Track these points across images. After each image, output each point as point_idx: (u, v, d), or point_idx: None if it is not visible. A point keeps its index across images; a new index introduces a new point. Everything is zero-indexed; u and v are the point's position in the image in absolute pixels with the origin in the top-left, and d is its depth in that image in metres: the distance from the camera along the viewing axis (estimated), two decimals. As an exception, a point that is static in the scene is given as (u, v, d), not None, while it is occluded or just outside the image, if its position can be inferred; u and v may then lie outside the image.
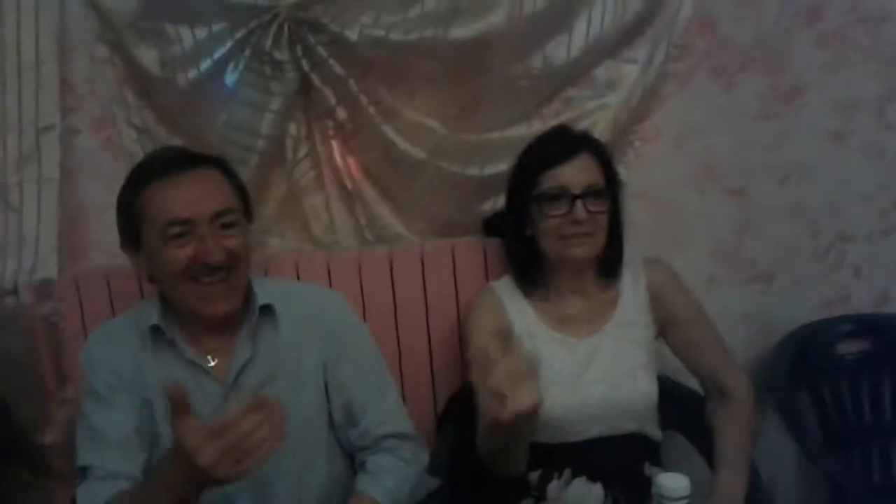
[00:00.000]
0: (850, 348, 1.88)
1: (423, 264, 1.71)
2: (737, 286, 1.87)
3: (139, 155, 1.73)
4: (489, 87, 1.70)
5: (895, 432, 1.84)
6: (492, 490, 1.48)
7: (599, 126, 1.74)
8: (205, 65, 1.66)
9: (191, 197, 1.25)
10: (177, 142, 1.75)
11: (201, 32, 1.64)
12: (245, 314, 1.33)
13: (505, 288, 1.55)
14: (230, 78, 1.67)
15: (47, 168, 1.68)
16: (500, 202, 1.73)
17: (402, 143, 1.70)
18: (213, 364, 1.31)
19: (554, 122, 1.73)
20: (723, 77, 1.78)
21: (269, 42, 1.61)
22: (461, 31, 1.62)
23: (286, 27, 1.61)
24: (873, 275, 1.90)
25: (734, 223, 1.84)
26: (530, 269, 1.52)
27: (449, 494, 1.41)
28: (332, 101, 1.69)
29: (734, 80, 1.78)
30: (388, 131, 1.70)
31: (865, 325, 1.88)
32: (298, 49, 1.63)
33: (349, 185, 1.78)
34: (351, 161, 1.78)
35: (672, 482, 1.02)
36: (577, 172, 1.42)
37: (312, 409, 1.35)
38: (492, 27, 1.61)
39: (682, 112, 1.77)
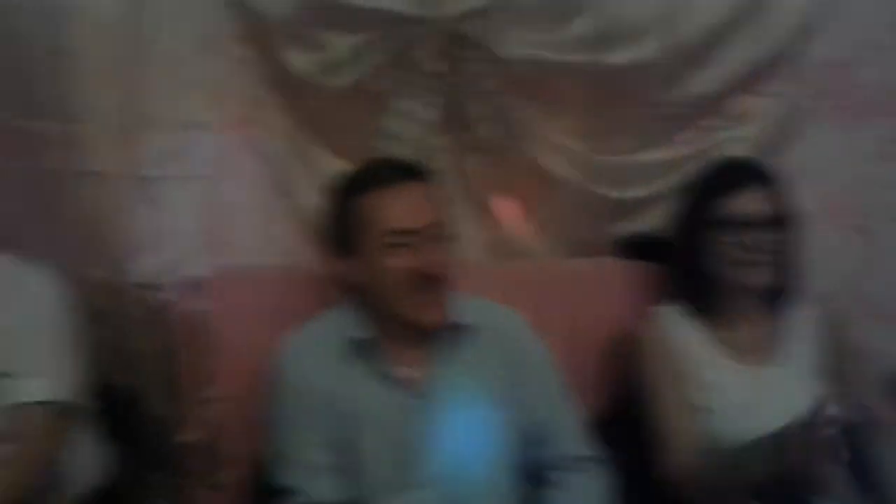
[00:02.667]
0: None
1: (559, 283, 1.71)
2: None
3: (276, 157, 1.76)
4: (632, 112, 1.76)
5: None
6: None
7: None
8: (359, 71, 1.69)
9: (411, 207, 1.26)
10: (317, 146, 1.78)
11: (354, 40, 1.66)
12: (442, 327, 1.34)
13: (671, 315, 1.54)
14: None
15: (192, 165, 1.69)
16: (631, 225, 1.79)
17: (546, 162, 1.74)
18: (410, 376, 1.31)
19: (686, 150, 1.79)
20: (849, 117, 1.85)
21: (423, 53, 1.66)
22: (617, 58, 1.67)
23: (441, 40, 1.65)
24: None
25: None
26: (702, 295, 1.52)
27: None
28: (479, 115, 1.72)
29: (861, 123, 1.85)
30: (534, 149, 1.73)
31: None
32: (451, 62, 1.66)
33: (483, 198, 1.81)
34: (488, 175, 1.80)
35: None
36: (752, 201, 1.46)
37: (501, 425, 1.34)
38: (646, 55, 1.67)
39: (809, 148, 1.83)
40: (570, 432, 1.38)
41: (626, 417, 1.54)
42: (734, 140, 1.81)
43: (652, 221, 1.79)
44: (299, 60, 1.68)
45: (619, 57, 1.67)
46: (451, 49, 1.64)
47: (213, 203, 1.73)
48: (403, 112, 1.70)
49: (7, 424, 1.31)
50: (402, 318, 1.29)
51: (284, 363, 1.34)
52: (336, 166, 1.76)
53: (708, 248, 1.49)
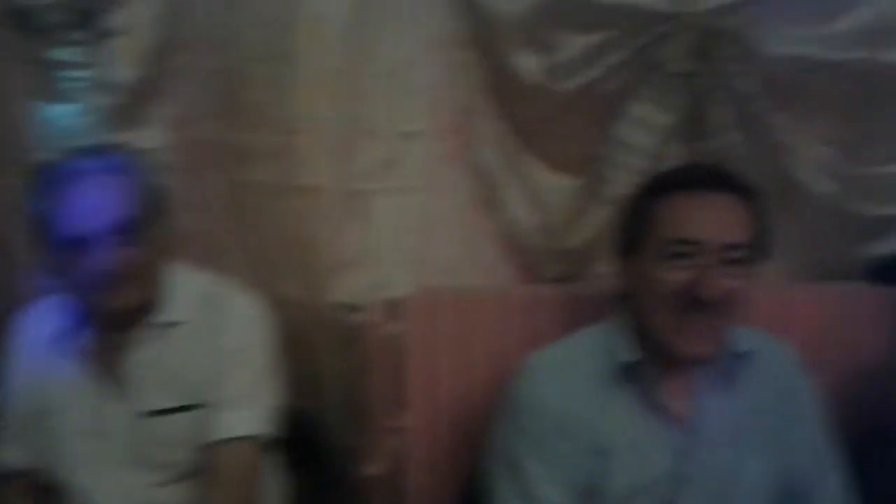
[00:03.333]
0: None
1: (804, 309, 1.52)
2: None
3: (487, 169, 1.60)
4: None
5: None
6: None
7: None
8: (593, 73, 1.51)
9: (711, 219, 1.08)
10: (532, 158, 1.61)
11: (593, 39, 1.50)
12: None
13: None
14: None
15: (409, 177, 1.54)
16: (887, 246, 1.58)
17: (796, 174, 1.54)
18: (680, 408, 1.15)
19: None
20: None
21: (669, 52, 1.47)
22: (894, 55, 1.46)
23: (691, 36, 1.46)
24: None
25: None
26: None
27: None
28: (721, 121, 1.53)
29: None
30: (783, 159, 1.53)
31: None
32: (701, 62, 1.47)
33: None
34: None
35: None
36: None
37: (760, 474, 1.18)
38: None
39: None
40: (833, 490, 1.20)
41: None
42: None
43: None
44: (528, 63, 1.52)
45: (897, 54, 1.45)
46: (704, 47, 1.45)
47: (422, 218, 1.59)
48: (638, 118, 1.52)
49: (209, 458, 1.23)
50: (661, 342, 1.12)
51: (529, 389, 1.17)
52: (552, 180, 1.62)
53: None
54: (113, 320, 1.21)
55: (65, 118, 1.50)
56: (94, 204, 1.13)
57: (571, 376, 1.16)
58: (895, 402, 1.40)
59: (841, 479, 1.22)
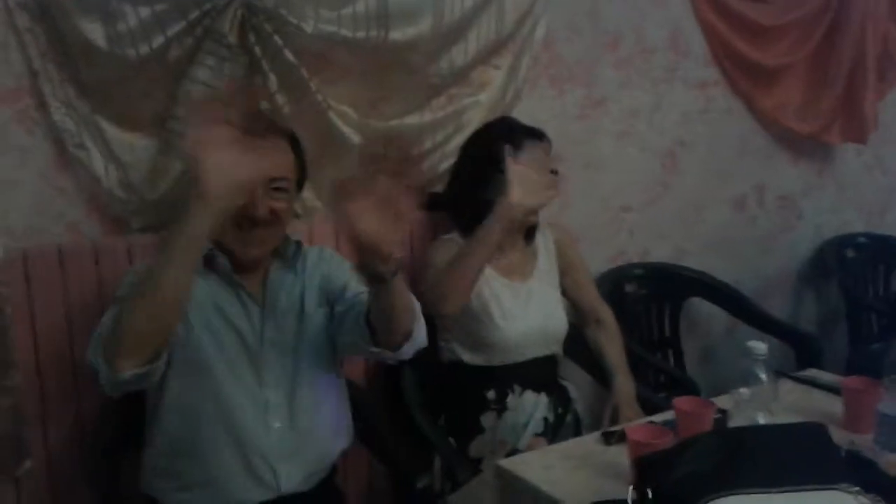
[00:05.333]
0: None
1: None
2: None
3: (63, 128, 1.70)
4: (404, 82, 2.01)
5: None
6: (454, 408, 1.83)
7: (475, 119, 2.15)
8: (157, 42, 1.69)
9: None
10: (103, 116, 1.73)
11: (145, 11, 1.67)
12: None
13: (457, 240, 1.88)
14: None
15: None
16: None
17: (341, 127, 1.91)
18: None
19: (440, 115, 2.10)
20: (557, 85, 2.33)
21: (222, 26, 1.72)
22: (398, 34, 1.90)
23: (240, 13, 1.73)
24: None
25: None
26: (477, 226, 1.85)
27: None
28: (275, 86, 1.83)
29: (563, 89, 2.34)
30: (332, 116, 1.90)
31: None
32: (251, 35, 1.75)
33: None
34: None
35: (758, 345, 1.44)
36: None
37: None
38: (422, 32, 1.93)
39: (528, 110, 2.25)
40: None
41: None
42: (476, 105, 2.17)
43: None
44: (93, 30, 1.63)
45: (402, 34, 1.90)
46: (252, 23, 1.73)
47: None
48: (201, 81, 1.74)
49: None
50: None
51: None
52: (127, 139, 1.76)
53: (493, 186, 1.80)
54: None
55: None
56: None
57: None
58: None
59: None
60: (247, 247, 1.47)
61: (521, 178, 1.70)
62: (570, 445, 1.57)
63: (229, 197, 1.22)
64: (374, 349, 1.42)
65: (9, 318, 1.58)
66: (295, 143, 1.55)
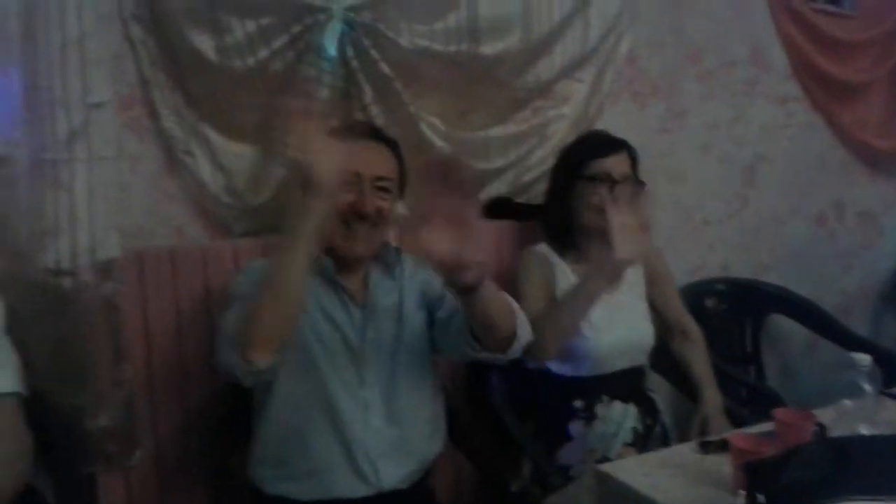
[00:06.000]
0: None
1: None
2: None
3: (172, 135, 1.77)
4: (491, 95, 2.05)
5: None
6: (542, 416, 1.85)
7: (558, 132, 2.18)
8: (261, 54, 1.76)
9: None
10: (209, 124, 1.81)
11: (251, 25, 1.74)
12: None
13: (544, 251, 1.90)
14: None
15: (99, 146, 1.63)
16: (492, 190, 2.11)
17: (431, 138, 1.96)
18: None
19: (524, 127, 2.14)
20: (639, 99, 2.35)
21: (325, 39, 1.78)
22: (488, 48, 1.95)
23: (339, 27, 1.79)
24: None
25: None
26: (566, 236, 1.88)
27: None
28: (370, 97, 1.88)
29: (645, 102, 2.36)
30: (424, 127, 1.95)
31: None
32: (349, 49, 1.82)
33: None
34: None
35: (863, 357, 1.43)
36: (618, 164, 1.84)
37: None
38: (510, 46, 1.97)
39: (611, 123, 2.27)
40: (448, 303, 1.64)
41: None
42: (560, 117, 2.20)
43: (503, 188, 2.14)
44: (201, 42, 1.71)
45: (492, 48, 1.96)
46: (350, 37, 1.79)
47: (115, 185, 1.69)
48: (301, 92, 1.80)
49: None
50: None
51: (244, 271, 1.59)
52: (231, 147, 1.83)
53: (580, 198, 1.83)
54: None
55: None
56: None
57: None
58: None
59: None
60: (353, 243, 1.52)
61: (621, 230, 1.68)
62: (666, 454, 1.57)
63: (341, 189, 1.32)
64: (484, 353, 1.45)
65: (124, 314, 1.65)
66: (395, 148, 1.61)
